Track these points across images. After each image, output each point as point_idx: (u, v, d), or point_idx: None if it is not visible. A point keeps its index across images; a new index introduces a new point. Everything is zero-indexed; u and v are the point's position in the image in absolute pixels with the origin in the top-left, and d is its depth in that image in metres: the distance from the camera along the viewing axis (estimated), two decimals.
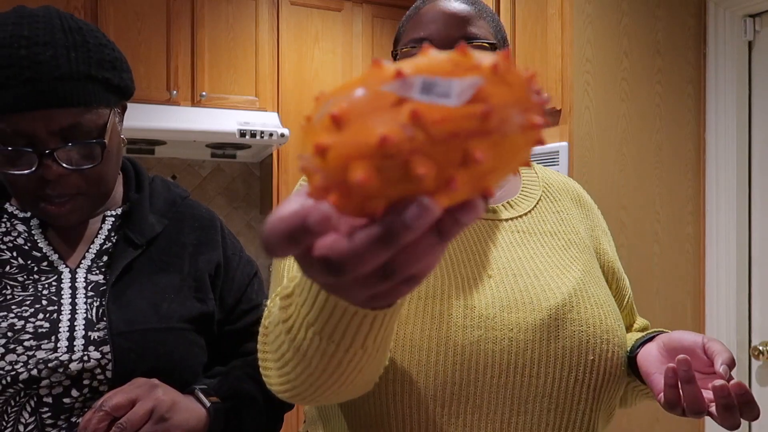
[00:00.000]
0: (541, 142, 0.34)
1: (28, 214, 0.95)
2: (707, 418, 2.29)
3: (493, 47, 0.83)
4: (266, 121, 3.00)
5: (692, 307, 2.30)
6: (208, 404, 0.87)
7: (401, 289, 0.38)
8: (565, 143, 2.15)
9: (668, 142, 2.28)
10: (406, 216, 0.31)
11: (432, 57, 0.32)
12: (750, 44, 2.25)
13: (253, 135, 2.91)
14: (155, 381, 0.84)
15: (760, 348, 2.18)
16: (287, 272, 0.81)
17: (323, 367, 0.58)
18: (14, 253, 0.91)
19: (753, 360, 2.23)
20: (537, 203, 0.91)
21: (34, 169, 0.83)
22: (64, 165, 0.84)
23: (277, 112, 3.13)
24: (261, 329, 0.71)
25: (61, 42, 0.83)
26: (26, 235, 0.93)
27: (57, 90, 0.81)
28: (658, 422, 2.25)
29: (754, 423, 2.23)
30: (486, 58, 0.32)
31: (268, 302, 0.74)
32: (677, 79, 2.30)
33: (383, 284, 0.36)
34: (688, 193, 2.31)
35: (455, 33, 0.82)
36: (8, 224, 0.94)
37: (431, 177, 0.30)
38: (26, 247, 0.92)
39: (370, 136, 0.30)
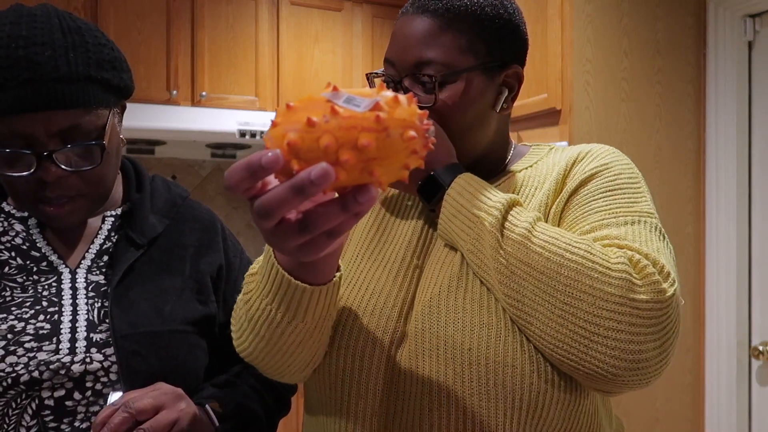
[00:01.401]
0: (418, 154, 0.49)
1: (26, 214, 0.94)
2: (707, 418, 2.29)
3: (446, 68, 0.79)
4: (266, 121, 3.00)
5: (692, 307, 2.31)
6: (218, 424, 0.87)
7: (322, 241, 0.51)
8: (565, 143, 2.15)
9: (668, 142, 2.28)
10: (311, 173, 0.45)
11: (364, 88, 0.50)
12: (750, 44, 2.25)
13: (253, 135, 2.91)
14: (180, 391, 0.83)
15: (760, 348, 2.19)
16: None
17: (269, 336, 0.72)
18: (13, 254, 0.90)
19: (753, 360, 2.23)
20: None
21: (32, 171, 0.82)
22: (63, 167, 0.83)
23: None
24: (235, 306, 0.83)
25: (59, 42, 0.82)
26: (24, 234, 0.92)
27: (56, 91, 0.80)
28: (658, 422, 2.25)
29: (754, 423, 2.23)
30: (391, 93, 0.50)
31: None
32: (677, 79, 2.30)
33: (304, 235, 0.50)
34: (688, 193, 2.31)
35: (409, 58, 0.81)
36: (5, 224, 0.93)
37: (332, 150, 0.46)
38: (25, 247, 0.91)
39: (303, 118, 0.47)
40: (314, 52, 3.21)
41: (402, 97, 0.49)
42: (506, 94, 0.86)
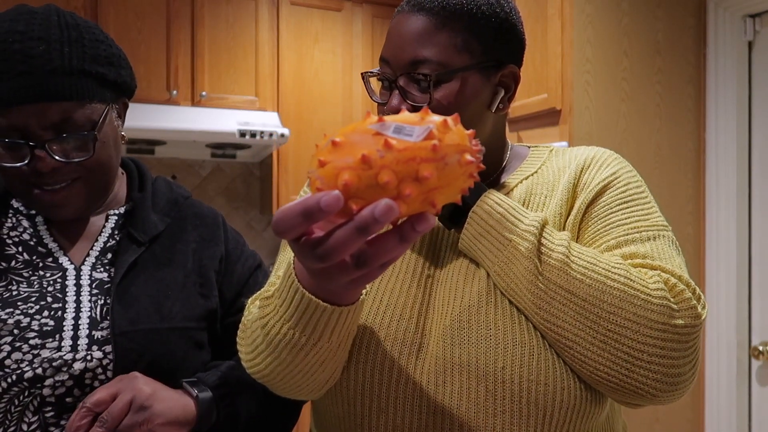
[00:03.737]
0: (474, 176, 0.48)
1: (33, 211, 0.95)
2: (707, 418, 2.29)
3: (441, 67, 0.79)
4: (266, 121, 3.00)
5: None
6: (194, 393, 0.86)
7: (375, 272, 0.50)
8: (565, 143, 2.15)
9: (668, 142, 2.28)
10: (375, 211, 0.43)
11: (406, 114, 0.48)
12: (750, 44, 2.26)
13: (253, 135, 2.91)
14: (135, 373, 0.84)
15: (760, 348, 2.19)
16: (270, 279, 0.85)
17: (291, 359, 0.70)
18: (20, 249, 0.91)
19: (753, 360, 2.23)
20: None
21: (27, 161, 0.84)
22: (57, 157, 0.84)
23: (277, 112, 3.12)
24: (240, 326, 0.80)
25: (55, 37, 0.84)
26: (32, 230, 0.94)
27: (49, 84, 0.82)
28: (658, 422, 2.25)
29: (754, 423, 2.23)
30: (439, 117, 0.48)
31: (248, 303, 0.81)
32: (677, 79, 2.30)
33: (358, 272, 0.49)
34: (688, 193, 2.32)
35: (405, 56, 0.80)
36: (14, 219, 0.94)
37: (393, 185, 0.45)
38: (32, 243, 0.92)
39: (356, 155, 0.45)
40: (314, 52, 3.21)
41: (450, 120, 0.48)
42: (502, 94, 0.85)
